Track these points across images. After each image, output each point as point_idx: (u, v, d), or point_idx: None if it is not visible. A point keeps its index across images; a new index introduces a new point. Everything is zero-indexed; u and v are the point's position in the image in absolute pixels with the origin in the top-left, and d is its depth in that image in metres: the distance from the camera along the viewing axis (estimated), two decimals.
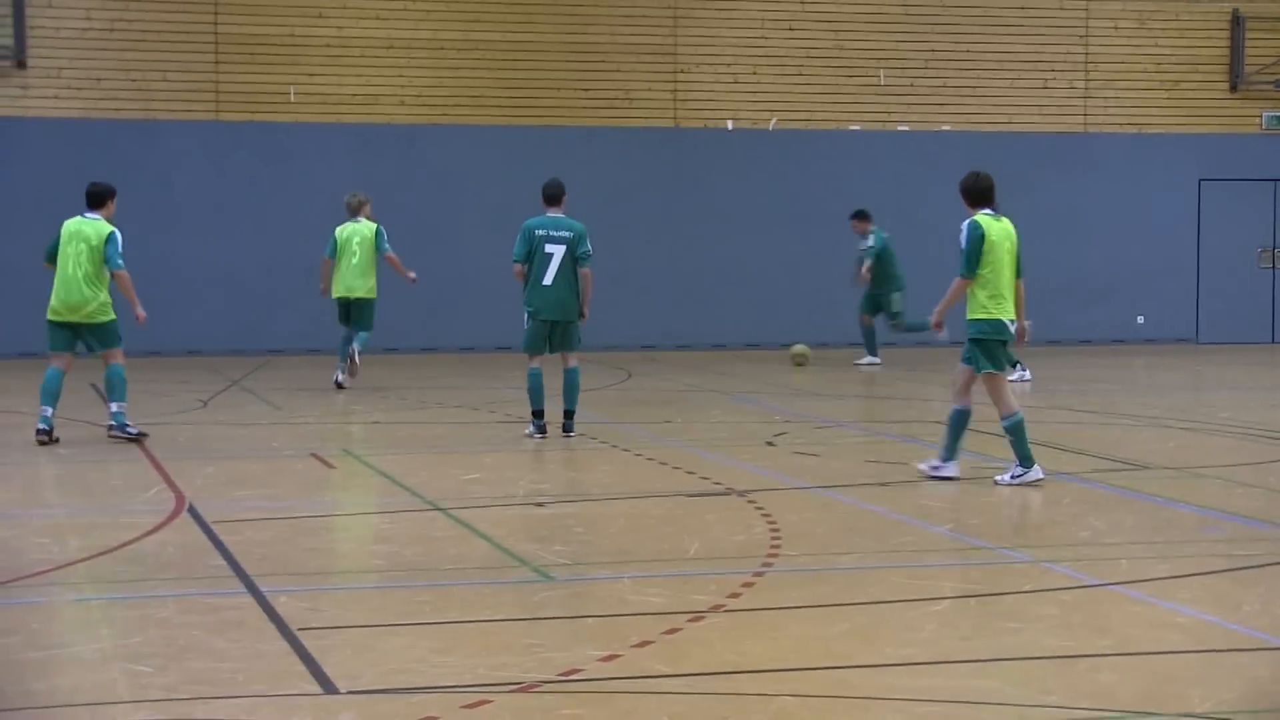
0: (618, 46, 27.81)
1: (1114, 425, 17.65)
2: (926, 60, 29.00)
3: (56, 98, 25.65)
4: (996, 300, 13.32)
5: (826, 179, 28.54)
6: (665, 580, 9.99)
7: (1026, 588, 9.79)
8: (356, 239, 21.09)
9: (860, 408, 20.51)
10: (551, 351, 16.48)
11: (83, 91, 25.71)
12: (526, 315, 16.36)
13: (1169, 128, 29.83)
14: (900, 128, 28.94)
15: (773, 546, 10.89)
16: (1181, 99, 29.85)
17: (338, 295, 21.24)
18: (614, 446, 16.02)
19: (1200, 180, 29.98)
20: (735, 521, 11.94)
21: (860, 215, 25.14)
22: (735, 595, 9.55)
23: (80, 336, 16.12)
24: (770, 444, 16.14)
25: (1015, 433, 13.32)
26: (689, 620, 8.93)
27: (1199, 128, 29.90)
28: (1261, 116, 29.84)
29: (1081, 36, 29.53)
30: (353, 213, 21.29)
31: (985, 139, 28.57)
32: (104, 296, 16.03)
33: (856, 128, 28.86)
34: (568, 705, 7.52)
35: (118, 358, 16.21)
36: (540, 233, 16.17)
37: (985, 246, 13.23)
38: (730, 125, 28.29)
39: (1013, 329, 13.42)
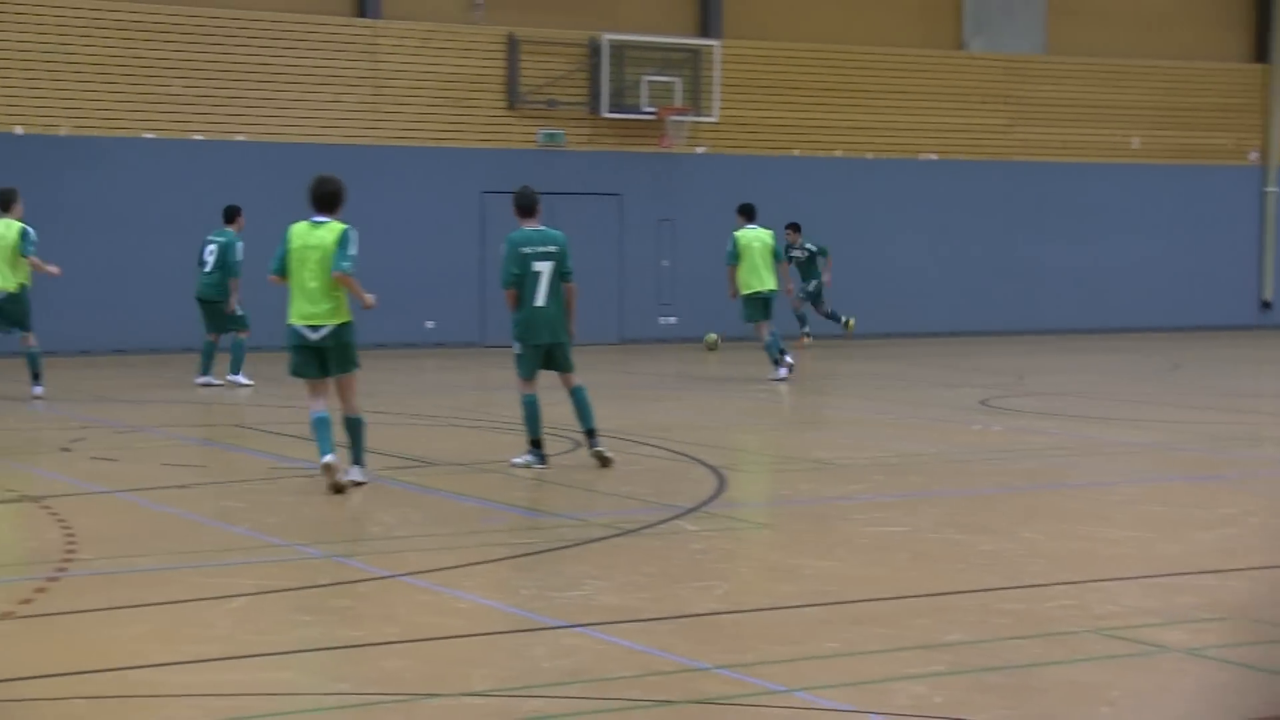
0: None
1: (405, 425, 13.43)
2: (221, 71, 22.08)
3: None
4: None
5: (121, 186, 21.43)
6: None
7: (322, 582, 7.44)
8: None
9: (161, 412, 14.92)
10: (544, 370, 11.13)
11: None
12: (518, 343, 10.97)
13: (453, 142, 23.40)
14: (195, 136, 21.89)
15: (68, 551, 8.04)
16: (464, 116, 23.38)
17: None
18: None
19: (482, 193, 23.11)
20: (27, 528, 8.98)
21: None
22: (27, 601, 6.90)
23: None
24: (66, 450, 11.95)
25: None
26: None
27: (480, 143, 23.48)
28: (537, 134, 23.71)
29: (371, 54, 23.28)
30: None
31: (280, 149, 22.03)
32: None
33: (151, 135, 21.74)
34: None
35: None
36: (527, 250, 10.85)
37: None
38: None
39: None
